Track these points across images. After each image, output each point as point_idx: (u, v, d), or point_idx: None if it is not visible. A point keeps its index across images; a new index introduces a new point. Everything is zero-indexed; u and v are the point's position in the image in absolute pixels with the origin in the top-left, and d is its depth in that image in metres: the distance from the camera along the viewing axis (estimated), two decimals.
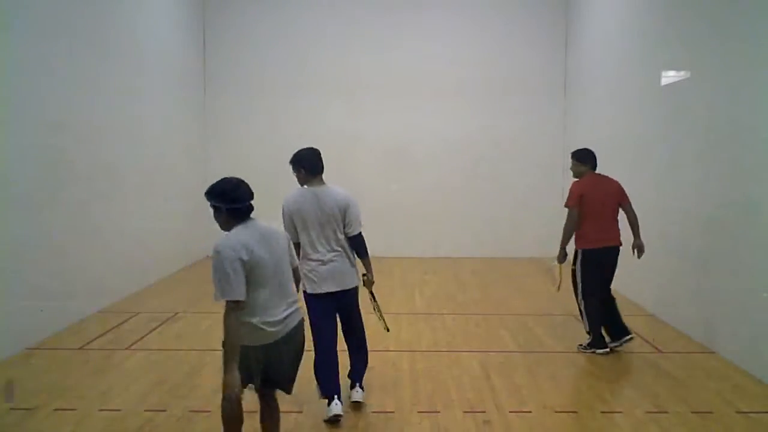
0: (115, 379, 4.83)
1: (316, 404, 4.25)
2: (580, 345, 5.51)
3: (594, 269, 5.33)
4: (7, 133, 5.35)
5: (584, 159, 5.47)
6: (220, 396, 2.99)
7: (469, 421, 4.06)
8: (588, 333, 5.45)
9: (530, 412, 4.22)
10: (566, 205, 5.36)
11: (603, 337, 5.39)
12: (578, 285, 5.42)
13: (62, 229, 6.16)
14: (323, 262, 4.06)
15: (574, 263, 5.42)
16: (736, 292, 5.20)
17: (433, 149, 10.73)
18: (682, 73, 6.31)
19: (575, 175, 5.54)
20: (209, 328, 6.20)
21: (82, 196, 6.54)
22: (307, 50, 10.62)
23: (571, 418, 4.15)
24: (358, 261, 4.25)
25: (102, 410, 4.23)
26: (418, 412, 4.21)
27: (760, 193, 4.89)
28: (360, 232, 4.15)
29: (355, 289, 4.22)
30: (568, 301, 7.56)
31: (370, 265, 4.32)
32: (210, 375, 4.82)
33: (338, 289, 4.11)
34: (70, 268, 6.26)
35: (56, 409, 4.22)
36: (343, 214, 4.06)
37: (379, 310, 4.52)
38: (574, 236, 5.40)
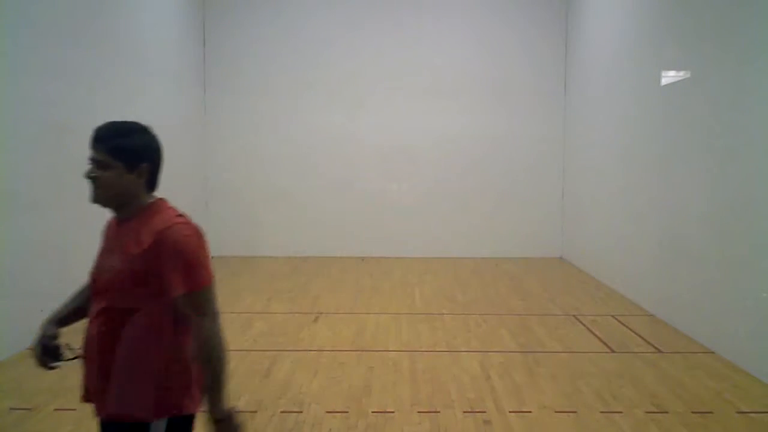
0: None
1: (316, 404, 4.25)
2: None
3: None
4: (9, 133, 5.35)
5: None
6: None
7: (469, 421, 4.06)
8: None
9: (530, 412, 4.22)
10: (207, 284, 2.09)
11: None
12: None
13: (63, 228, 6.16)
14: None
15: None
16: (736, 291, 5.20)
17: (433, 149, 10.72)
18: (682, 73, 6.31)
19: (124, 198, 2.16)
20: None
21: (83, 196, 6.52)
22: (308, 50, 10.62)
23: (571, 418, 4.14)
24: None
25: None
26: (418, 412, 4.21)
27: (759, 192, 4.90)
28: None
29: None
30: (568, 301, 7.59)
31: None
32: None
33: None
34: (71, 268, 6.24)
35: (56, 409, 4.21)
36: None
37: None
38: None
